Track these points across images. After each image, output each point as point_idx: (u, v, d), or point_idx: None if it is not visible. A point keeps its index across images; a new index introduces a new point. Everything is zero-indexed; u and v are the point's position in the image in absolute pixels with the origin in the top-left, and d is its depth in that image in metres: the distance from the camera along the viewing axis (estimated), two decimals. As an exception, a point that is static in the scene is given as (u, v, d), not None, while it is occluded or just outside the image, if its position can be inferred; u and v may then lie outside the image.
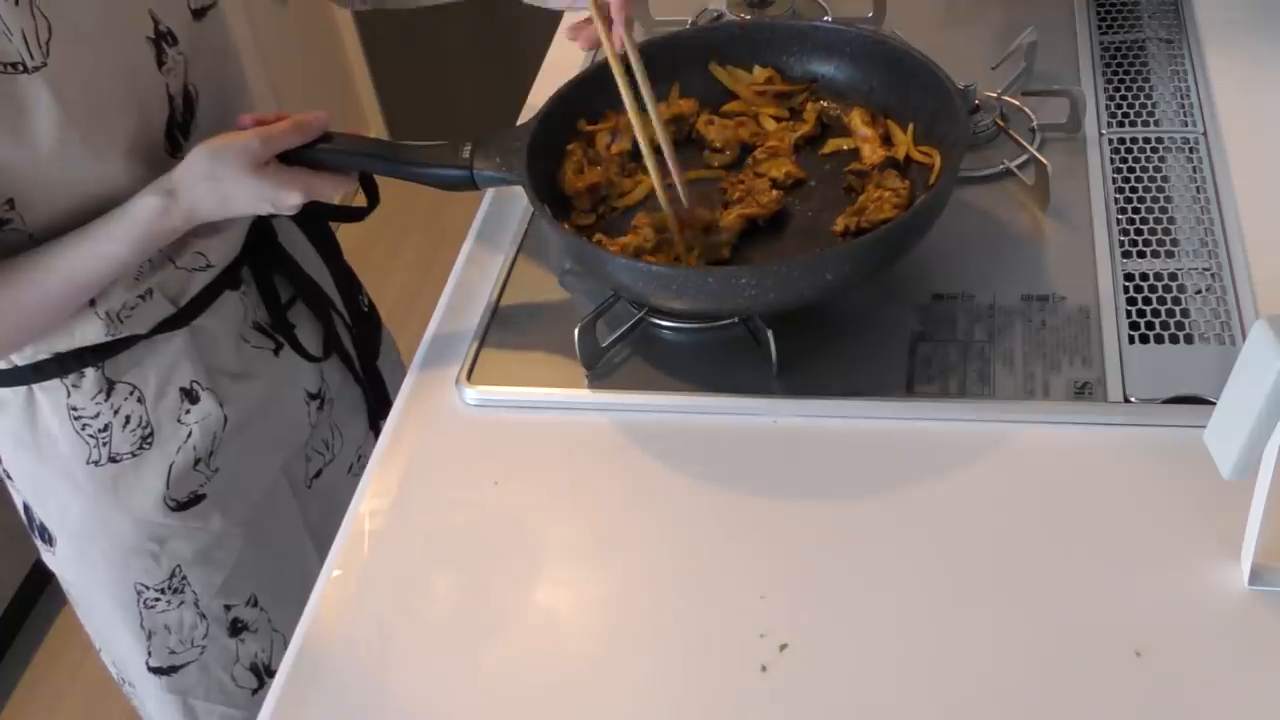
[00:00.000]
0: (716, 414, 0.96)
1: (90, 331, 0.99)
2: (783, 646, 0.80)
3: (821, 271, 0.93)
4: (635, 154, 1.11)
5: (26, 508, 1.12)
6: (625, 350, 1.02)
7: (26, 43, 0.86)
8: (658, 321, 1.03)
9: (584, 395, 0.99)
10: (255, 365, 1.11)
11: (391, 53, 2.96)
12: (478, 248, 1.17)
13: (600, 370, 1.00)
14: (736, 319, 1.01)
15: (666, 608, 0.85)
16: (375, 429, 1.26)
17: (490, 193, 1.21)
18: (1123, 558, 0.82)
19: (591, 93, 1.12)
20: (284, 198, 0.95)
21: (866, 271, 0.96)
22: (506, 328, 1.06)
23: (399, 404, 1.02)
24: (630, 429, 0.97)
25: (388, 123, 3.09)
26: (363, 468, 1.21)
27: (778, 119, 1.13)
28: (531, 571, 0.88)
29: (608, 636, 0.84)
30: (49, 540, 1.12)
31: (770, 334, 0.95)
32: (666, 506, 0.91)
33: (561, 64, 1.37)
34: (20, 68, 0.86)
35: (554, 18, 1.47)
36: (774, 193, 1.04)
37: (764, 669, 0.79)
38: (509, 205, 1.19)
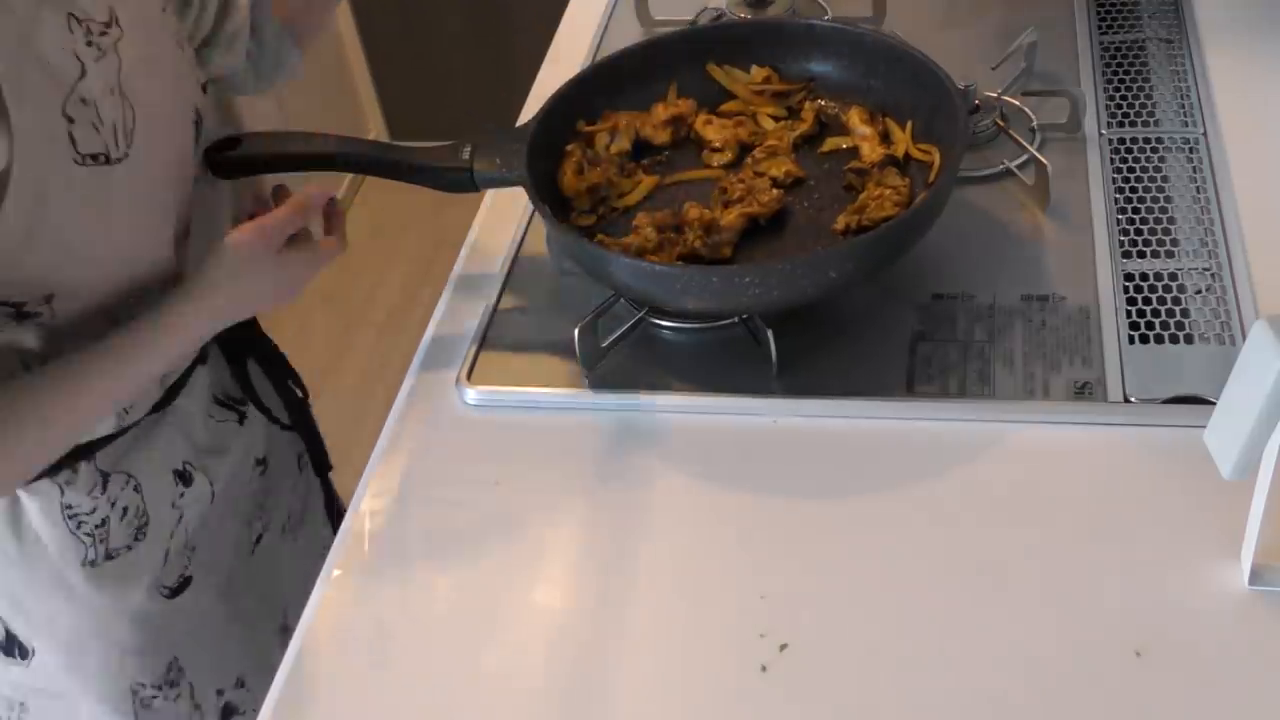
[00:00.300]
0: (716, 414, 0.96)
1: (101, 427, 0.96)
2: (783, 646, 0.80)
3: (824, 269, 0.93)
4: (635, 154, 1.11)
5: None
6: (625, 350, 1.02)
7: (116, 134, 0.84)
8: (658, 321, 1.03)
9: (584, 395, 0.99)
10: (225, 439, 1.09)
11: (391, 51, 2.95)
12: (478, 248, 1.17)
13: (600, 370, 1.00)
14: (737, 319, 1.01)
15: (666, 608, 0.85)
16: (322, 478, 1.24)
17: (490, 193, 1.21)
18: (1123, 558, 0.82)
19: (590, 93, 1.12)
20: (301, 280, 0.95)
21: (869, 269, 0.97)
22: (506, 328, 1.06)
23: (399, 404, 1.02)
24: (630, 429, 0.97)
25: (388, 122, 3.09)
26: (294, 525, 1.19)
27: (776, 118, 1.13)
28: (531, 571, 0.88)
29: (607, 636, 0.84)
30: (22, 654, 1.03)
31: (770, 334, 0.95)
32: (666, 506, 0.91)
33: (562, 64, 1.37)
34: (104, 159, 0.83)
35: (554, 13, 1.47)
36: (774, 192, 1.04)
37: (764, 669, 0.79)
38: (509, 205, 1.19)
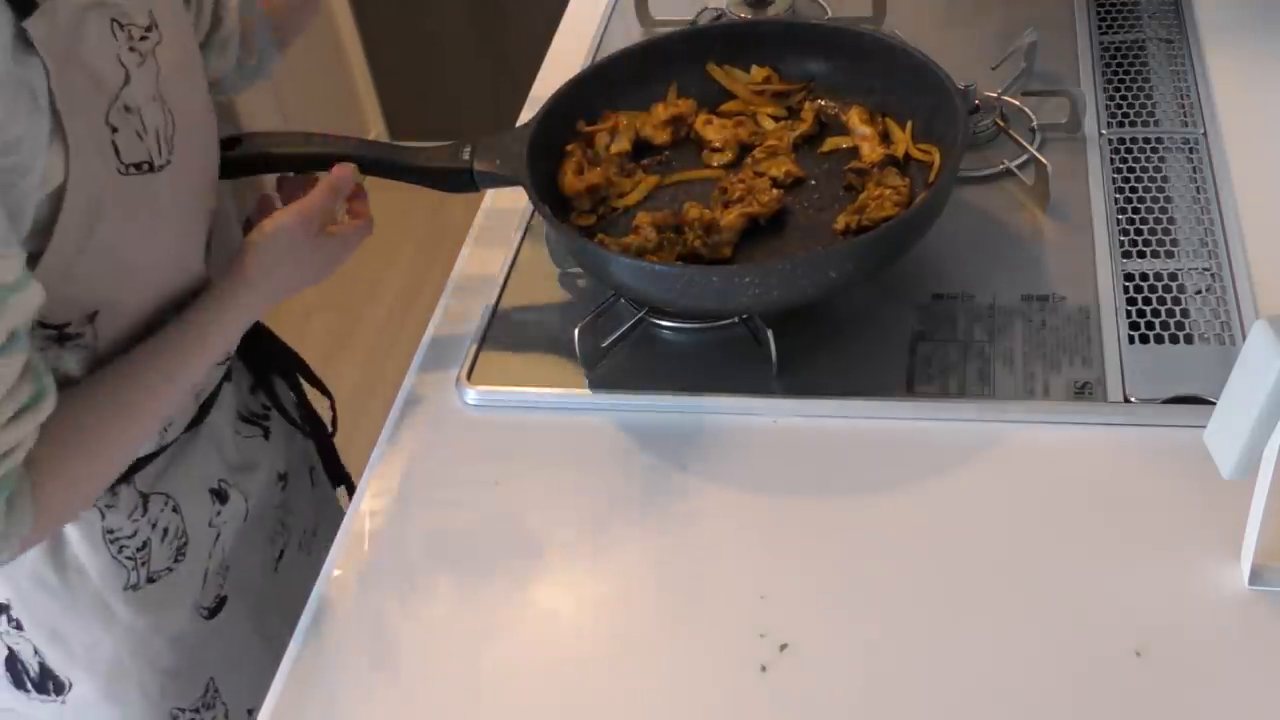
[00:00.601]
0: (716, 414, 0.96)
1: (144, 446, 0.94)
2: (783, 646, 0.80)
3: (825, 269, 0.93)
4: (634, 154, 1.11)
5: (13, 660, 0.99)
6: (625, 350, 1.02)
7: (158, 141, 0.83)
8: (658, 321, 1.03)
9: (584, 395, 0.99)
10: (254, 455, 1.08)
11: (391, 51, 2.95)
12: (478, 248, 1.17)
13: (600, 370, 1.00)
14: (737, 319, 1.01)
15: (667, 607, 0.85)
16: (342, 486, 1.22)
17: (490, 193, 1.21)
18: (1123, 558, 0.82)
19: (590, 93, 1.12)
20: (336, 262, 0.96)
21: (869, 269, 0.97)
22: (506, 328, 1.06)
23: (399, 404, 1.02)
24: (630, 429, 0.97)
25: (387, 122, 3.09)
26: (308, 540, 1.18)
27: (776, 118, 1.13)
28: (531, 571, 0.88)
29: (607, 637, 0.84)
30: (58, 689, 1.00)
31: (770, 334, 0.95)
32: (666, 506, 0.91)
33: (562, 64, 1.37)
34: (148, 167, 0.82)
35: (554, 13, 1.47)
36: (774, 191, 1.04)
37: (764, 669, 0.79)
38: (509, 205, 1.19)
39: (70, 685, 1.00)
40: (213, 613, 1.05)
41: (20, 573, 0.94)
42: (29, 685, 1.00)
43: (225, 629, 1.07)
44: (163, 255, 0.87)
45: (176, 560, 1.00)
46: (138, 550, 0.97)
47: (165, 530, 0.98)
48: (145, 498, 0.96)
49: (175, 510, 0.99)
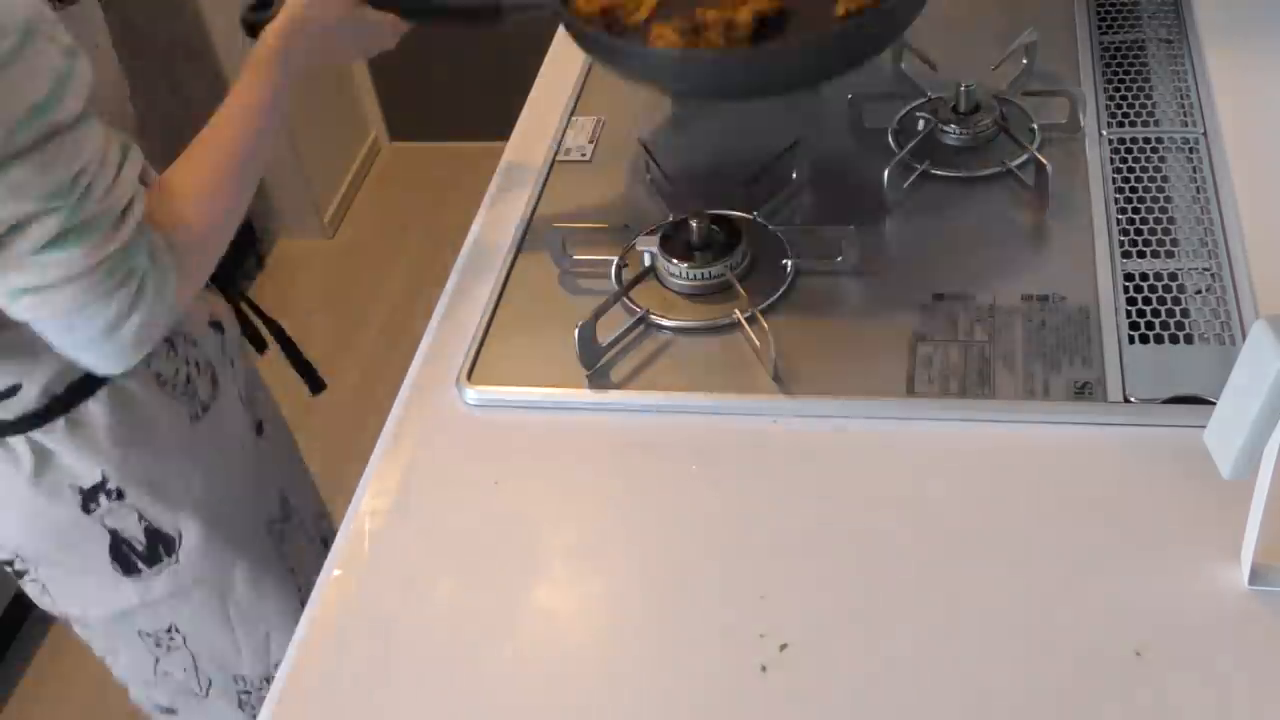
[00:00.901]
0: (716, 414, 0.97)
1: None
2: (783, 646, 0.80)
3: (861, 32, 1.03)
4: None
5: (118, 544, 1.04)
6: (625, 350, 1.02)
7: None
8: (658, 321, 1.03)
9: (584, 395, 0.99)
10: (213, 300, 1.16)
11: (391, 51, 2.95)
12: (478, 248, 1.17)
13: (600, 370, 1.00)
14: (738, 318, 1.01)
15: (667, 608, 0.85)
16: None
17: (489, 194, 1.21)
18: (1123, 558, 0.82)
19: None
20: (382, 40, 1.07)
21: (900, 29, 1.07)
22: (506, 328, 1.06)
23: (399, 404, 1.02)
24: (630, 429, 0.97)
25: (387, 122, 3.09)
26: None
27: None
28: (531, 571, 0.88)
29: (608, 636, 0.84)
30: (168, 549, 1.06)
31: (770, 334, 0.95)
32: (666, 506, 0.91)
33: (562, 63, 1.36)
34: None
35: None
36: None
37: (764, 669, 0.79)
38: (508, 206, 1.19)
39: (180, 537, 1.07)
40: (260, 431, 1.15)
41: (104, 442, 1.01)
42: (139, 563, 1.06)
43: (274, 447, 1.17)
44: (106, 97, 0.89)
45: (214, 388, 1.09)
46: (185, 385, 1.05)
47: (196, 363, 1.07)
48: (171, 340, 1.04)
49: (195, 344, 1.07)
